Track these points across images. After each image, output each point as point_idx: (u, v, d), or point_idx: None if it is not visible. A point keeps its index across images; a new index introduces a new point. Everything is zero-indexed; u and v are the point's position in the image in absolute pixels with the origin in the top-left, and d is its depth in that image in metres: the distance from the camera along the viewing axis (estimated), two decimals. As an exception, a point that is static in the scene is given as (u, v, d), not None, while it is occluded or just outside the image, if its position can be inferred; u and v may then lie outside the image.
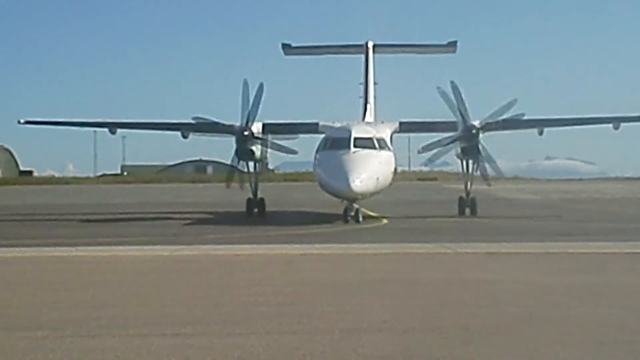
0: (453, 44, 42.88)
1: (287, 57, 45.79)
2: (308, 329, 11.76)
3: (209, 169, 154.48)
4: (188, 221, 38.68)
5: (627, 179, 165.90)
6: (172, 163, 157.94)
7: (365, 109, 43.17)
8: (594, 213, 45.53)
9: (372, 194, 34.23)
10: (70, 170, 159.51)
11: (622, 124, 37.97)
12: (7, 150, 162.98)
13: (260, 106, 34.82)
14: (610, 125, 38.28)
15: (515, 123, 38.71)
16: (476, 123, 36.35)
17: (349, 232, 31.87)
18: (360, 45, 42.88)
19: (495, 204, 57.77)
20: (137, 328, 12.03)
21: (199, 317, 12.93)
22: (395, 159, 37.16)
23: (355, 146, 32.51)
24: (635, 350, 10.50)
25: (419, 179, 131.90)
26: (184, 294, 15.64)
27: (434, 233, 29.94)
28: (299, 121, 37.83)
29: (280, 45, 43.67)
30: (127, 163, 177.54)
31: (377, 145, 33.62)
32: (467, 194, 40.35)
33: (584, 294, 15.19)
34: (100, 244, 27.26)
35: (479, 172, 40.60)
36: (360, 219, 33.09)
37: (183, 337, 11.30)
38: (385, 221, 37.46)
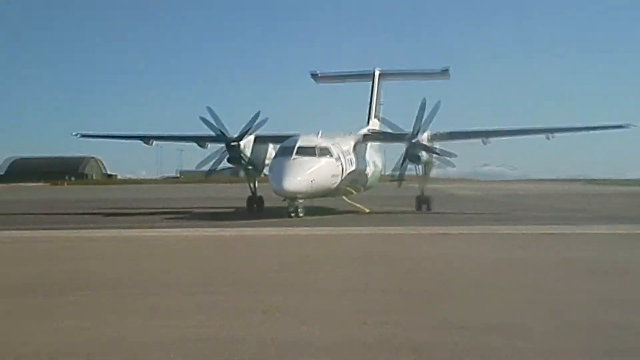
0: (446, 71, 41.45)
1: (312, 81, 44.24)
2: (313, 289, 11.93)
3: (241, 173, 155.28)
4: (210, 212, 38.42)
5: (542, 180, 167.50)
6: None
7: (368, 124, 41.80)
8: (517, 205, 45.64)
9: (309, 194, 31.26)
10: (142, 174, 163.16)
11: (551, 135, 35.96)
12: (97, 159, 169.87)
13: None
14: (542, 135, 36.17)
15: (459, 134, 36.98)
16: (424, 135, 33.89)
17: (338, 219, 31.56)
18: (370, 73, 41.97)
19: (448, 198, 58.02)
20: (187, 288, 12.18)
21: (231, 280, 13.06)
22: (354, 163, 34.54)
23: (296, 154, 30.72)
24: (550, 301, 10.70)
25: (390, 181, 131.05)
26: (218, 264, 15.79)
27: (403, 220, 29.97)
28: (284, 133, 35.61)
29: (309, 74, 43.18)
30: (183, 168, 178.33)
31: (317, 153, 31.31)
32: (422, 193, 37.96)
33: (512, 264, 15.30)
34: (161, 227, 27.29)
35: (431, 175, 39.12)
36: (301, 214, 30.57)
37: (220, 294, 11.43)
38: (367, 210, 37.52)
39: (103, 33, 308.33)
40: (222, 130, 34.06)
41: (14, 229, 25.86)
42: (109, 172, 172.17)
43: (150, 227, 26.85)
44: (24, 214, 38.48)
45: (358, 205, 41.45)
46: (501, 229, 24.71)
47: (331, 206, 38.67)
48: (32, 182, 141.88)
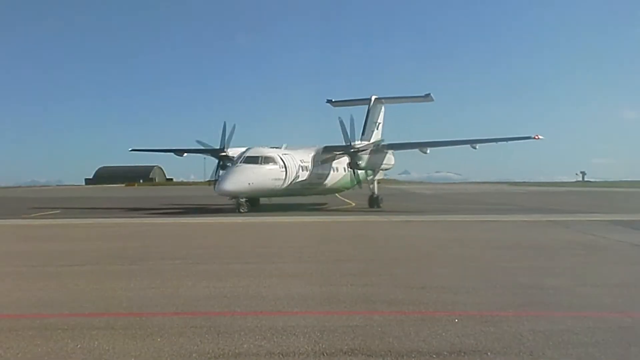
0: (428, 95, 37.54)
1: (327, 105, 41.24)
2: (315, 260, 12.04)
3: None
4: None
5: (479, 182, 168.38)
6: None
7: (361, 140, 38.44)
8: (460, 200, 45.82)
9: (247, 194, 29.27)
10: (192, 178, 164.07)
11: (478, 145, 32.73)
12: (160, 167, 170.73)
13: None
14: (469, 145, 32.81)
15: (397, 145, 34.41)
16: (360, 145, 31.40)
17: (327, 210, 31.68)
18: (368, 98, 39.26)
19: (410, 195, 58.25)
20: (224, 259, 12.29)
21: (257, 254, 13.19)
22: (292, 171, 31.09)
23: (243, 162, 29.25)
24: (482, 267, 10.91)
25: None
26: (247, 242, 15.94)
27: (376, 211, 30.16)
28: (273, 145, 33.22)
29: (326, 100, 40.90)
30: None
31: (260, 161, 29.43)
32: (373, 193, 34.64)
33: (457, 241, 15.49)
34: (203, 215, 27.41)
35: (377, 177, 35.87)
36: (242, 210, 28.55)
37: (249, 264, 11.53)
38: (353, 204, 37.54)
39: (170, 72, 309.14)
40: (213, 146, 33.01)
41: (104, 217, 26.03)
42: (168, 177, 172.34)
43: (193, 215, 26.98)
44: (116, 208, 38.30)
45: (348, 200, 41.49)
46: (447, 217, 24.92)
47: (318, 202, 37.66)
48: (113, 184, 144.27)
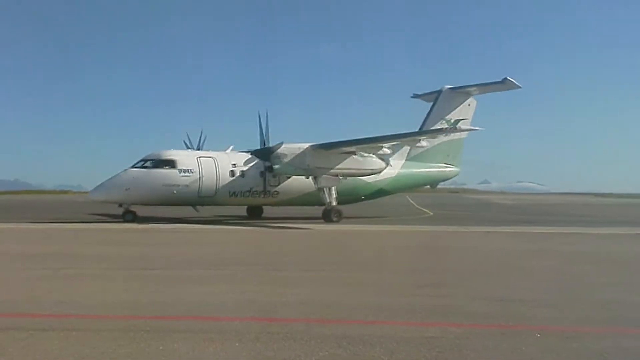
0: (505, 80, 31.24)
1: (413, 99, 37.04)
2: (389, 270, 12.05)
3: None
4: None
5: (563, 193, 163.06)
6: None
7: None
8: (541, 212, 44.52)
9: (124, 201, 26.80)
10: None
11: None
12: None
13: None
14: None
15: (329, 145, 27.68)
16: (278, 149, 26.61)
17: (391, 220, 30.98)
18: (440, 90, 34.29)
19: (487, 205, 57.06)
20: (302, 266, 12.45)
21: (328, 263, 13.29)
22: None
23: (133, 167, 26.97)
24: (564, 281, 10.59)
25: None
26: (315, 251, 16.03)
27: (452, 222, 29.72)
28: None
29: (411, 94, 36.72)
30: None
31: (153, 165, 26.99)
32: (327, 205, 28.49)
33: (537, 253, 15.10)
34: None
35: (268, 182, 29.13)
36: (127, 218, 26.62)
37: (323, 272, 11.65)
38: (431, 213, 36.92)
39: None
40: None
41: (174, 223, 26.66)
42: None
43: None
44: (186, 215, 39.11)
45: (425, 210, 40.97)
46: (527, 229, 24.26)
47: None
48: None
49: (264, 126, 27.53)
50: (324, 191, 28.52)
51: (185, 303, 8.39)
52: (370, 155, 28.84)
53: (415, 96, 37.10)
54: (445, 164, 34.34)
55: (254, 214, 32.33)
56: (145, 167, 27.18)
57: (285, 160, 26.81)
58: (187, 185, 27.27)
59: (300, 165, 27.20)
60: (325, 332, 6.73)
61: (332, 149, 27.65)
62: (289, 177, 28.95)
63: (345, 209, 29.93)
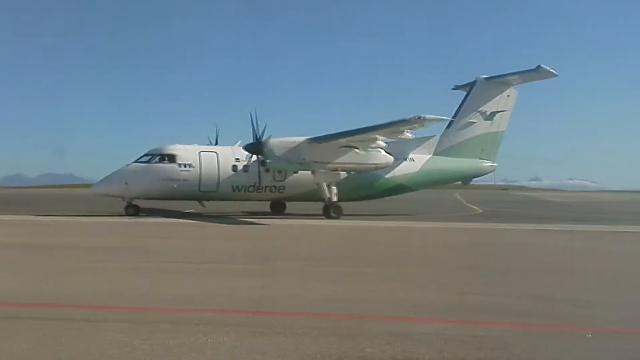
0: (539, 68, 29.51)
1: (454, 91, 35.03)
2: (436, 267, 11.99)
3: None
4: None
5: (619, 191, 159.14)
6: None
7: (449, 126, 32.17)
8: (594, 209, 43.40)
9: (125, 194, 27.14)
10: None
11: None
12: None
13: None
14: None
15: (321, 138, 26.71)
16: (268, 142, 25.96)
17: (426, 217, 30.73)
18: (474, 80, 32.34)
19: (539, 203, 56.00)
20: (349, 263, 12.48)
21: (377, 259, 13.27)
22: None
23: (135, 162, 27.32)
24: (618, 281, 10.35)
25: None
26: (364, 247, 16.00)
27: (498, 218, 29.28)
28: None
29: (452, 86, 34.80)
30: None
31: (153, 160, 27.24)
32: (327, 200, 27.73)
33: (589, 252, 14.79)
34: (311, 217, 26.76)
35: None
36: (129, 212, 26.84)
37: (372, 268, 11.68)
38: (480, 210, 36.56)
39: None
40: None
41: (222, 217, 27.04)
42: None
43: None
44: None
45: (474, 207, 40.50)
46: (579, 227, 23.74)
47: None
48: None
49: (255, 122, 26.82)
50: (322, 186, 27.81)
51: (237, 296, 8.51)
52: (377, 149, 27.81)
53: (456, 88, 35.43)
54: (479, 158, 32.41)
55: (277, 209, 31.82)
56: (146, 162, 27.45)
57: (278, 154, 26.23)
58: (186, 180, 27.32)
59: (295, 159, 26.53)
60: (372, 328, 6.73)
61: (325, 142, 26.72)
62: (295, 172, 28.19)
63: (367, 205, 29.59)
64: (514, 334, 6.62)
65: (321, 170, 27.41)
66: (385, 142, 28.03)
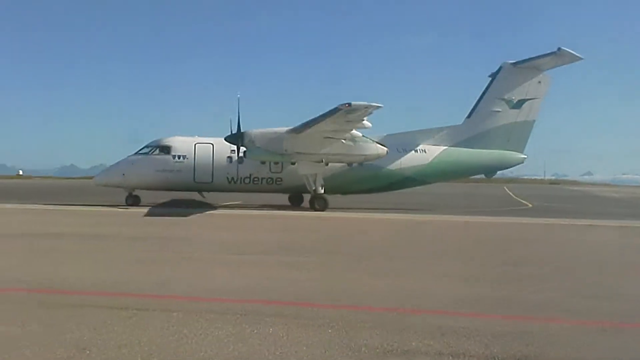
0: (560, 50, 27.76)
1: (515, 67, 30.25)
2: (482, 263, 11.82)
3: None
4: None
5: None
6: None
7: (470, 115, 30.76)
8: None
9: (124, 185, 27.67)
10: None
11: None
12: None
13: None
14: None
15: (296, 129, 25.77)
16: (249, 133, 25.58)
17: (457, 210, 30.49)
18: (499, 67, 30.23)
19: (592, 198, 54.70)
20: (388, 256, 12.41)
21: (416, 254, 13.18)
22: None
23: (136, 153, 27.74)
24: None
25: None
26: (401, 241, 15.88)
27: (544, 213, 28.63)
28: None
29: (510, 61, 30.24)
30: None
31: (151, 152, 27.54)
32: (313, 191, 27.18)
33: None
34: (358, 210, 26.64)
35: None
36: (128, 202, 27.26)
37: (414, 262, 11.61)
38: (530, 205, 35.84)
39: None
40: None
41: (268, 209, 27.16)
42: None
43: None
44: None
45: (524, 201, 39.71)
46: (633, 223, 23.07)
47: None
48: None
49: (239, 111, 26.31)
50: (307, 178, 27.18)
51: (282, 288, 8.56)
52: (366, 140, 26.96)
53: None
54: (504, 150, 30.11)
55: (296, 202, 31.13)
56: (144, 153, 27.87)
57: (258, 145, 25.85)
58: (180, 171, 27.59)
59: (276, 150, 26.04)
60: (418, 323, 6.68)
61: (301, 132, 25.77)
62: (293, 164, 27.45)
63: (404, 197, 28.84)
64: (567, 332, 6.48)
65: (304, 161, 26.91)
66: (384, 135, 28.10)
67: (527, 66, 29.79)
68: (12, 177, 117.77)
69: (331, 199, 27.11)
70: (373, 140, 27.44)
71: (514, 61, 30.24)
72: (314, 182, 27.27)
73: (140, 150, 28.10)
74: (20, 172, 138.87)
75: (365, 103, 23.14)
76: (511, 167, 31.86)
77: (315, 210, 26.21)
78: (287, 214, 24.28)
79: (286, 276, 9.62)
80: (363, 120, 25.07)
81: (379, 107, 23.36)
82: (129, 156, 28.00)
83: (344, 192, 29.51)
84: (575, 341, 6.09)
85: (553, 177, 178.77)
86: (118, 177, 27.58)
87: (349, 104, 22.71)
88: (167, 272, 9.88)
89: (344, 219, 22.64)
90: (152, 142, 28.39)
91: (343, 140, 26.48)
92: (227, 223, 20.22)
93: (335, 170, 28.14)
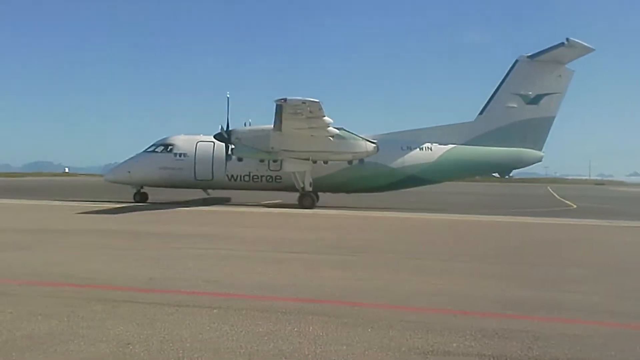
0: (568, 41, 26.37)
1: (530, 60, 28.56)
2: (521, 262, 11.65)
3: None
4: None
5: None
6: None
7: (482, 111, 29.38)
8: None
9: (131, 182, 28.78)
10: None
11: None
12: None
13: None
14: None
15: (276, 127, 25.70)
16: (235, 131, 26.13)
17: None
18: (515, 60, 28.69)
19: (603, 195, 53.31)
20: (436, 255, 12.35)
21: (455, 253, 13.05)
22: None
23: (145, 151, 28.81)
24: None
25: None
26: (438, 240, 15.74)
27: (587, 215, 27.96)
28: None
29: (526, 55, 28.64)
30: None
31: (156, 150, 28.42)
32: (302, 189, 27.44)
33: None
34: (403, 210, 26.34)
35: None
36: (136, 198, 28.41)
37: (456, 263, 11.53)
38: (574, 206, 35.16)
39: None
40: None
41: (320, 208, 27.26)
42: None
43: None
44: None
45: (568, 202, 39.03)
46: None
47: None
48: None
49: (228, 108, 26.38)
50: (296, 175, 27.33)
51: (322, 286, 8.56)
52: (354, 137, 27.06)
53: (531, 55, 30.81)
54: (521, 147, 28.79)
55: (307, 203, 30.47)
56: (150, 151, 28.71)
57: (244, 142, 26.25)
58: (181, 169, 28.22)
59: (263, 147, 26.30)
60: (459, 324, 6.61)
61: (278, 130, 25.66)
62: (275, 161, 27.78)
63: (444, 196, 28.45)
64: (612, 335, 6.34)
65: (290, 159, 26.96)
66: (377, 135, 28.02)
67: (545, 59, 28.32)
68: (59, 175, 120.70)
69: (359, 197, 26.89)
70: (362, 138, 27.33)
71: (530, 54, 28.85)
72: (302, 180, 27.40)
73: (147, 148, 29.03)
74: (67, 170, 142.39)
75: (301, 98, 23.13)
76: (528, 165, 30.45)
77: (304, 208, 26.31)
78: (331, 213, 24.21)
79: (332, 275, 9.61)
80: (324, 117, 24.88)
81: (314, 102, 23.32)
82: (137, 154, 29.10)
83: (347, 191, 29.70)
84: (623, 345, 5.95)
85: (598, 178, 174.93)
86: (124, 175, 28.68)
87: (285, 99, 23.03)
88: (212, 269, 10.00)
89: (392, 218, 22.54)
90: (158, 141, 29.14)
91: (331, 138, 26.48)
92: (271, 221, 20.31)
93: (335, 168, 28.18)
